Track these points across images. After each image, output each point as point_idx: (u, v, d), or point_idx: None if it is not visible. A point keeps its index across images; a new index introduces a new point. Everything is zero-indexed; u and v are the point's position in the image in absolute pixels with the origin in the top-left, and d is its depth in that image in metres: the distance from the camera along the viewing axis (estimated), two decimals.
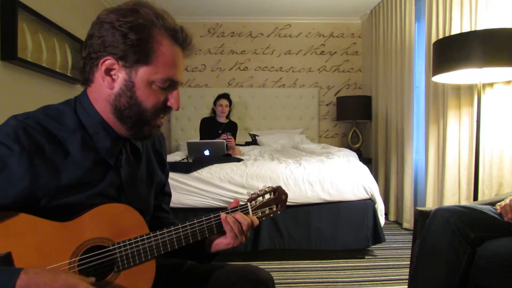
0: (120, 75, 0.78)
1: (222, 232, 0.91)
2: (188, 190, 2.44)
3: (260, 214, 0.96)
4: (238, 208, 0.93)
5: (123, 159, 0.86)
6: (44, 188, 0.73)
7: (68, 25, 2.96)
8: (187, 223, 0.86)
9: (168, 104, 0.83)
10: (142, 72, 0.77)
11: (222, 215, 0.89)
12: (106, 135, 0.82)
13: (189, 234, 0.86)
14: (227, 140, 3.24)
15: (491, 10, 2.35)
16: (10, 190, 0.71)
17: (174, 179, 2.44)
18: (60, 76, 2.86)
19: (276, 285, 0.99)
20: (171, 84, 0.81)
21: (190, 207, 2.43)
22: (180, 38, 0.81)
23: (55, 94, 2.85)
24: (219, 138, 3.28)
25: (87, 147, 0.80)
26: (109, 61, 0.77)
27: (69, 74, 2.97)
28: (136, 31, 0.75)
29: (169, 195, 1.10)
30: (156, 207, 1.04)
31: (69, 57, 3.01)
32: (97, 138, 0.82)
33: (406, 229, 3.26)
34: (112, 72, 0.78)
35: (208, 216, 0.89)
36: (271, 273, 1.01)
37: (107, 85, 0.79)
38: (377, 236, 2.50)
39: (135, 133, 0.84)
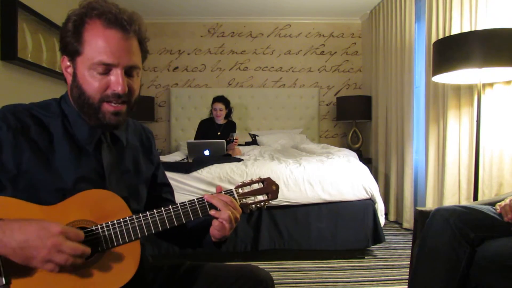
0: (70, 69, 0.86)
1: (207, 216, 0.90)
2: (188, 190, 2.44)
3: (247, 201, 0.95)
4: (223, 192, 0.93)
5: (104, 147, 0.90)
6: (28, 163, 0.80)
7: None
8: (170, 207, 0.87)
9: (111, 88, 0.83)
10: (79, 62, 0.83)
11: (206, 194, 0.91)
12: (84, 124, 0.88)
13: (173, 217, 0.87)
14: (235, 140, 3.25)
15: (491, 10, 2.35)
16: None
17: (174, 179, 2.44)
18: (60, 76, 2.86)
19: (276, 285, 0.99)
20: (107, 68, 0.82)
21: None
22: (113, 18, 0.81)
23: (55, 94, 2.84)
24: (229, 138, 3.29)
25: (68, 133, 0.87)
26: (64, 59, 0.87)
27: None
28: (74, 26, 0.82)
29: (167, 185, 1.12)
30: (158, 198, 1.06)
31: None
32: (76, 126, 0.88)
33: (406, 229, 3.26)
34: (68, 69, 0.86)
35: (191, 200, 0.90)
36: (271, 273, 1.01)
37: (68, 81, 0.88)
38: (377, 236, 2.50)
39: (94, 122, 0.86)
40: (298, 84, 4.66)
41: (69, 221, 0.79)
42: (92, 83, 0.82)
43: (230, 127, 3.76)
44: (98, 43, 0.81)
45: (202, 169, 2.51)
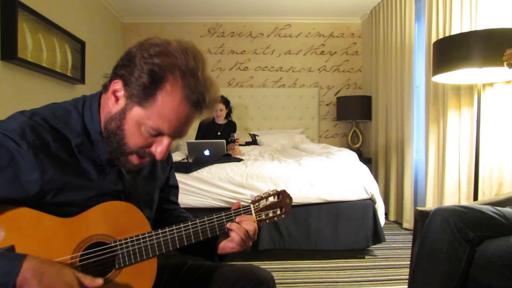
0: (121, 103, 0.78)
1: (224, 233, 0.92)
2: (188, 190, 2.44)
3: (263, 216, 0.96)
4: (241, 210, 0.93)
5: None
6: (51, 183, 0.75)
7: (68, 25, 2.96)
8: (189, 223, 0.87)
9: (152, 149, 0.80)
10: (135, 112, 0.76)
11: (229, 225, 0.90)
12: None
13: (191, 234, 0.87)
14: (236, 141, 3.26)
15: (491, 10, 2.35)
16: (16, 184, 0.72)
17: None
18: (60, 76, 2.86)
19: (276, 285, 0.99)
20: (160, 136, 0.79)
21: (190, 207, 2.43)
22: (196, 100, 0.76)
23: (55, 94, 2.85)
24: (230, 138, 3.30)
25: (88, 152, 0.82)
26: (118, 85, 0.78)
27: (69, 74, 2.97)
28: (151, 75, 0.74)
29: (175, 187, 1.11)
30: (164, 200, 1.06)
31: (69, 57, 3.01)
32: (98, 146, 0.82)
33: (406, 229, 3.26)
34: (118, 95, 0.78)
35: (210, 217, 0.89)
36: (271, 273, 1.01)
37: (110, 105, 0.80)
38: (377, 236, 2.50)
39: (112, 157, 0.82)
40: (298, 84, 4.66)
41: (87, 235, 0.77)
42: (137, 138, 0.78)
43: (230, 127, 3.76)
44: (166, 113, 0.75)
45: (202, 169, 2.51)
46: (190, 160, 2.82)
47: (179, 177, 2.45)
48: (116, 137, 0.79)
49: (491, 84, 2.37)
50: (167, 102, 0.74)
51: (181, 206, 1.15)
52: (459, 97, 2.60)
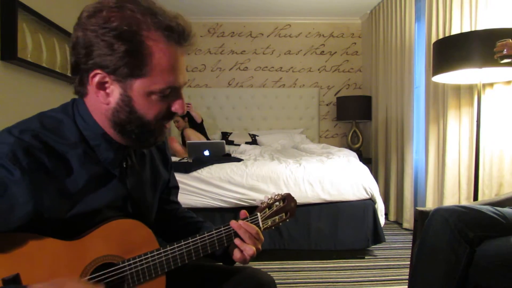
0: (115, 89, 0.71)
1: (232, 245, 0.90)
2: (188, 190, 2.44)
3: (269, 223, 0.94)
4: (248, 218, 0.91)
5: (128, 168, 0.84)
6: (50, 209, 0.70)
7: (68, 25, 2.96)
8: (197, 236, 0.84)
9: (173, 109, 0.76)
10: (138, 85, 0.70)
11: (232, 222, 0.89)
12: (109, 147, 0.78)
13: (199, 248, 0.84)
14: (188, 106, 3.32)
15: (491, 10, 2.35)
16: (12, 215, 0.66)
17: None
18: (60, 76, 2.86)
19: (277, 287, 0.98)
20: (172, 91, 0.74)
21: (190, 207, 2.43)
22: (176, 34, 0.71)
23: (55, 94, 2.85)
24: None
25: (90, 161, 0.76)
26: (99, 75, 0.70)
27: (69, 74, 2.97)
28: (124, 40, 0.67)
29: (176, 187, 1.09)
30: (165, 201, 1.04)
31: (69, 57, 3.01)
32: (99, 150, 0.77)
33: (406, 229, 3.26)
34: (106, 85, 0.72)
35: (218, 228, 0.87)
36: (271, 273, 1.00)
37: (102, 100, 0.73)
38: (377, 236, 2.50)
39: (140, 144, 0.80)
40: (298, 84, 4.66)
41: (95, 257, 0.75)
42: (154, 108, 0.73)
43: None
44: (165, 65, 0.70)
45: (202, 169, 2.51)
46: (190, 160, 2.82)
47: (179, 177, 2.45)
48: (133, 123, 0.73)
49: (491, 85, 2.37)
50: (159, 55, 0.69)
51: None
52: (459, 97, 2.60)
